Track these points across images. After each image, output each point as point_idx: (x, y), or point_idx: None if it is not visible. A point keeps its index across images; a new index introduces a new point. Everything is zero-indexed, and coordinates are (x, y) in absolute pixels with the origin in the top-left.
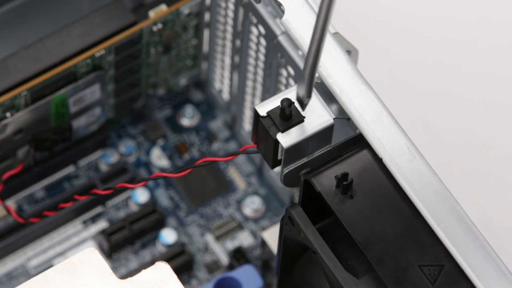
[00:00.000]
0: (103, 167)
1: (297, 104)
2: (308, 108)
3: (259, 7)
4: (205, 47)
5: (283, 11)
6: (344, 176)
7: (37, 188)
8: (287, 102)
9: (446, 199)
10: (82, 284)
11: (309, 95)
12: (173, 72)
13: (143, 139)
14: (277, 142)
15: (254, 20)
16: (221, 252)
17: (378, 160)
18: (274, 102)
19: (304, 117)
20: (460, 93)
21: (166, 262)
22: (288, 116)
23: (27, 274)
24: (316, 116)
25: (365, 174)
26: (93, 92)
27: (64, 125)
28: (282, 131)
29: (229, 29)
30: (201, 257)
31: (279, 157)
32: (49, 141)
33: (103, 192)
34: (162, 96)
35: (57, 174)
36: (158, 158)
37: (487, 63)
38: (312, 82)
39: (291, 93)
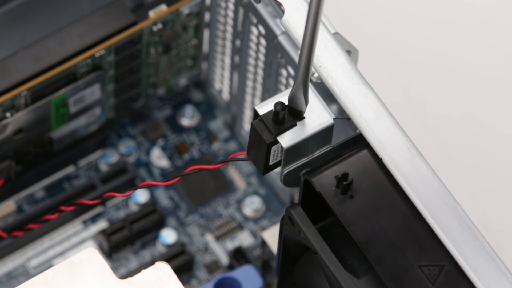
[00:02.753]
0: (103, 167)
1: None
2: (307, 108)
3: (259, 7)
4: (205, 47)
5: (283, 11)
6: (344, 176)
7: (37, 188)
8: (280, 106)
9: (446, 199)
10: (82, 284)
11: (306, 103)
12: (173, 72)
13: (143, 139)
14: (269, 147)
15: (254, 20)
16: (221, 252)
17: (378, 160)
18: (273, 103)
19: (296, 121)
20: (462, 93)
21: (166, 262)
22: (281, 120)
23: (27, 274)
24: (316, 116)
25: (365, 174)
26: (93, 92)
27: (44, 138)
28: (275, 135)
29: (229, 29)
30: (201, 257)
31: (270, 163)
32: (31, 155)
33: (90, 202)
34: (162, 96)
35: (57, 174)
36: (158, 158)
37: (489, 62)
38: (307, 89)
39: None
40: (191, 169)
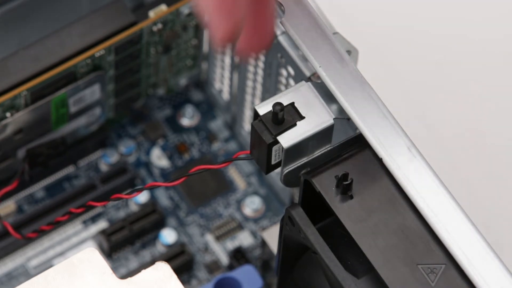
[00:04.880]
0: (103, 167)
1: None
2: (307, 108)
3: None
4: (205, 47)
5: (283, 11)
6: (344, 176)
7: (37, 188)
8: (279, 107)
9: (446, 199)
10: (82, 284)
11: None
12: (173, 72)
13: (143, 139)
14: (270, 147)
15: None
16: (221, 252)
17: (378, 160)
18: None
19: (296, 121)
20: (461, 92)
21: (166, 262)
22: (281, 120)
23: (27, 274)
24: (316, 116)
25: (365, 174)
26: (93, 92)
27: (57, 140)
28: (275, 136)
29: None
30: (201, 257)
31: (273, 162)
32: (43, 156)
33: (98, 204)
34: (162, 96)
35: (57, 174)
36: (158, 158)
37: (489, 61)
38: None
39: (291, 94)
40: (196, 169)
